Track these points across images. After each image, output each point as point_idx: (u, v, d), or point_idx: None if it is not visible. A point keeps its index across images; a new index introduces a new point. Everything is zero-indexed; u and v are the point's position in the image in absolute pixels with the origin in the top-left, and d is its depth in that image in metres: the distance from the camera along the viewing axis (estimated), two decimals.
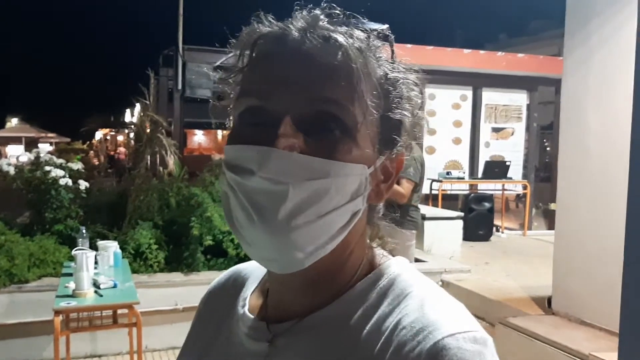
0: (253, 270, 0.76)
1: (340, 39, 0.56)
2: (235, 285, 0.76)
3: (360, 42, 0.58)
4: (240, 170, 0.55)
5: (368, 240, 0.66)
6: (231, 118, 0.62)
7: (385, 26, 0.62)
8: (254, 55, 0.60)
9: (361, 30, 0.59)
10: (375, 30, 0.61)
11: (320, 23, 0.58)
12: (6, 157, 18.70)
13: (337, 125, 0.56)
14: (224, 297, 0.76)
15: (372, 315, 0.58)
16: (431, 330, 0.53)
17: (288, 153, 0.53)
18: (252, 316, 0.66)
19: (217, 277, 0.82)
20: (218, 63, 0.66)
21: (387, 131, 0.61)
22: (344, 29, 0.58)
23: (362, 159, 0.57)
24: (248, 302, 0.69)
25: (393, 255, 0.66)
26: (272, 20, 0.60)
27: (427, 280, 0.62)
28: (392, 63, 0.62)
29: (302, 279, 0.61)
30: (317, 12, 0.59)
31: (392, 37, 0.62)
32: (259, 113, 0.57)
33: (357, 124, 0.56)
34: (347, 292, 0.61)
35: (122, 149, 21.90)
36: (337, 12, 0.59)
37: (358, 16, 0.60)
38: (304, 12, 0.59)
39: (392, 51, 0.62)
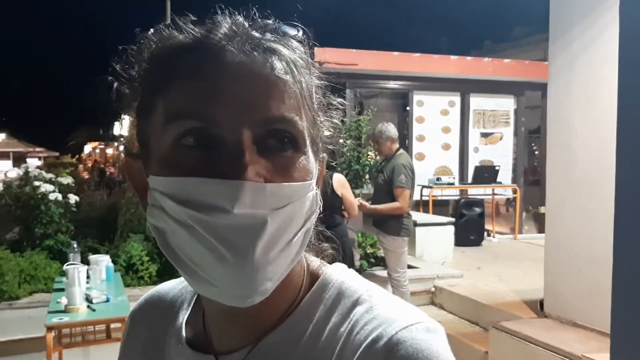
0: (178, 295, 0.71)
1: (285, 52, 0.53)
2: (159, 312, 0.70)
3: (301, 53, 0.55)
4: (204, 206, 0.48)
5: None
6: (150, 142, 0.54)
7: (300, 32, 0.58)
8: (178, 69, 0.51)
9: (298, 40, 0.56)
10: (290, 35, 0.57)
11: (250, 32, 0.53)
12: None
13: (292, 145, 0.52)
14: (149, 325, 0.71)
15: (325, 327, 0.57)
16: (385, 327, 0.53)
17: (261, 185, 0.49)
18: (192, 350, 0.62)
19: None
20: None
21: (317, 138, 0.58)
22: (283, 40, 0.54)
23: (311, 175, 0.55)
24: (184, 334, 0.64)
25: (343, 262, 0.65)
26: (190, 26, 0.53)
27: (369, 283, 0.62)
28: (312, 69, 0.59)
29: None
30: (239, 17, 0.54)
31: (312, 42, 0.58)
32: (204, 137, 0.50)
33: (306, 140, 0.54)
34: (295, 310, 0.59)
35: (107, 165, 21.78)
36: (267, 17, 0.55)
37: (276, 20, 0.56)
38: (226, 17, 0.54)
39: (312, 57, 0.59)
